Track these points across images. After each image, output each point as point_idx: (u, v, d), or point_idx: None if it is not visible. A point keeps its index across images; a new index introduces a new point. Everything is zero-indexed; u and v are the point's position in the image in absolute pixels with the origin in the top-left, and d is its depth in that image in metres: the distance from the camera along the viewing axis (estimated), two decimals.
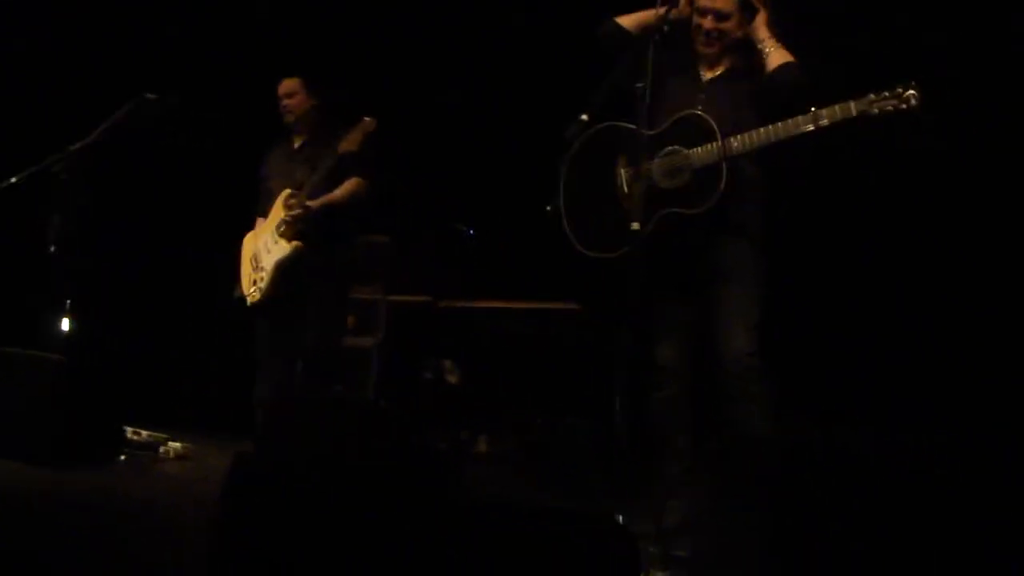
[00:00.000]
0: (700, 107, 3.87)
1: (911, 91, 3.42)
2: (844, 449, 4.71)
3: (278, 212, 5.25)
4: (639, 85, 3.53)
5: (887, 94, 3.44)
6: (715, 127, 3.72)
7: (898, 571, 3.97)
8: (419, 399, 6.89)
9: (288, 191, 5.23)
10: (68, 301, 5.44)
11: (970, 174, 5.36)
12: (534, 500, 4.91)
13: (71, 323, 5.43)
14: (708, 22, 3.86)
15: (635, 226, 3.42)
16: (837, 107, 3.53)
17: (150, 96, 5.37)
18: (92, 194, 5.78)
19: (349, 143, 5.06)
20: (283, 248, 5.11)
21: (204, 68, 7.34)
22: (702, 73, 4.01)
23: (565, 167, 4.12)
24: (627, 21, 4.07)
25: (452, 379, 6.90)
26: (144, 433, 5.29)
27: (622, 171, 3.94)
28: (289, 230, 5.12)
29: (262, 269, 5.22)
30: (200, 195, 7.59)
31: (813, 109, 3.56)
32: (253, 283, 5.27)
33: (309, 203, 5.07)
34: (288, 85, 5.39)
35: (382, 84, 7.38)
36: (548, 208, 4.11)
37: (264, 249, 5.26)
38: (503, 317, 6.76)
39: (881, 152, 5.29)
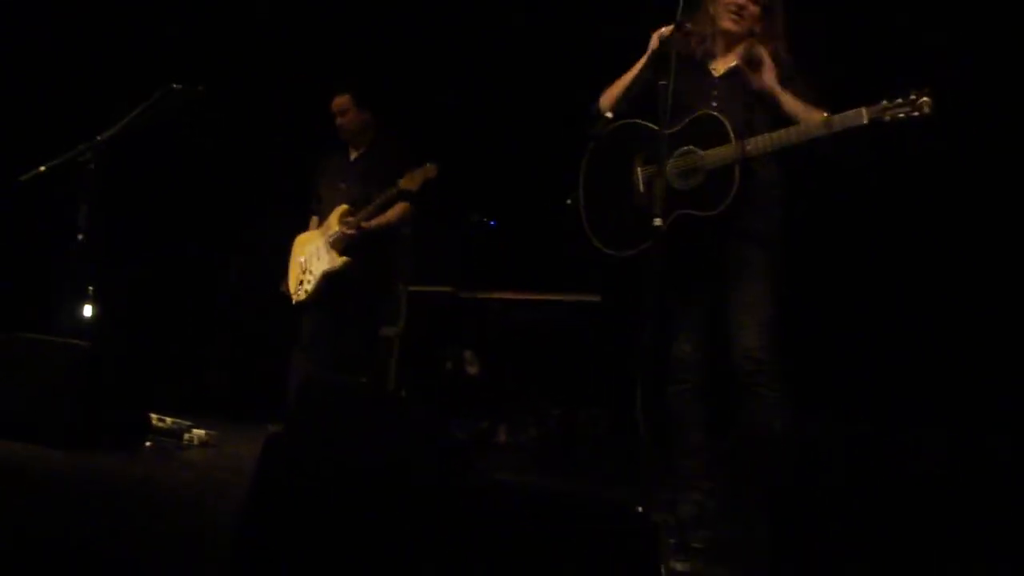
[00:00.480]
0: (714, 103, 3.88)
1: (924, 98, 3.41)
2: (855, 446, 4.75)
3: (333, 224, 5.66)
4: (662, 83, 3.55)
5: (900, 101, 3.43)
6: (729, 129, 3.73)
7: (905, 567, 4.02)
8: (439, 389, 6.93)
9: (345, 207, 5.65)
10: (91, 288, 5.51)
11: (977, 177, 5.39)
12: (554, 489, 4.94)
13: (95, 309, 5.50)
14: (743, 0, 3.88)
15: (657, 222, 3.43)
16: (849, 113, 3.54)
17: (177, 87, 5.41)
18: (120, 183, 5.84)
19: (410, 182, 5.41)
20: (333, 260, 5.55)
21: (229, 60, 7.39)
22: (713, 68, 4.01)
23: (584, 165, 4.16)
24: (609, 98, 4.07)
25: (472, 369, 6.94)
26: (169, 420, 5.33)
27: (639, 169, 3.97)
28: (340, 244, 5.54)
29: (310, 273, 5.63)
30: (226, 184, 7.66)
31: (826, 115, 3.57)
32: (300, 283, 5.67)
33: (364, 225, 5.48)
34: (339, 103, 5.76)
35: (406, 74, 7.44)
36: (568, 202, 4.14)
37: (315, 255, 5.65)
38: (523, 308, 6.80)
39: (889, 154, 5.32)
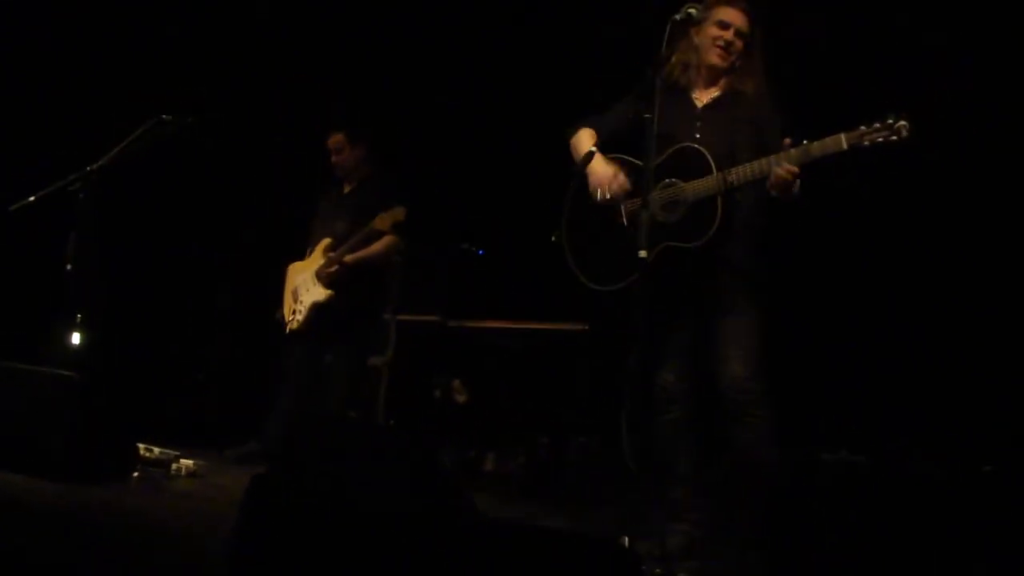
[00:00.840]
0: (697, 135, 3.92)
1: (902, 122, 3.43)
2: (843, 472, 4.76)
3: (318, 258, 5.79)
4: (647, 116, 3.59)
5: (878, 125, 3.46)
6: (711, 161, 3.76)
7: None
8: (428, 418, 6.94)
9: (329, 241, 5.77)
10: (80, 317, 5.51)
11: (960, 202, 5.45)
12: (540, 520, 4.95)
13: (83, 338, 5.51)
14: (729, 35, 3.92)
15: (643, 253, 3.46)
16: (828, 140, 3.56)
17: (166, 117, 5.45)
18: (109, 213, 5.86)
19: (381, 223, 5.56)
20: (319, 293, 5.66)
21: (221, 89, 7.43)
22: (696, 99, 4.05)
23: (568, 200, 4.19)
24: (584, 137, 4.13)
25: (460, 398, 6.95)
26: (156, 450, 5.33)
27: (623, 204, 4.01)
28: (325, 279, 5.63)
29: (301, 303, 5.72)
30: (215, 212, 7.67)
31: (804, 143, 3.59)
32: (292, 312, 5.77)
33: (345, 259, 5.59)
34: (334, 141, 5.90)
35: (395, 103, 7.47)
36: (553, 238, 4.17)
37: (304, 287, 5.76)
38: (511, 337, 6.81)
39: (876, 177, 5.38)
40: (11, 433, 4.82)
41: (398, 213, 5.56)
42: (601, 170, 3.99)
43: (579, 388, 6.52)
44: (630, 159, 3.99)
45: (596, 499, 5.50)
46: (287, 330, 5.74)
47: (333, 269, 5.57)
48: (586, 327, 6.53)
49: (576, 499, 5.77)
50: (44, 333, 5.92)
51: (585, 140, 4.12)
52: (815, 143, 3.57)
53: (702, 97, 4.05)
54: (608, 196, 3.95)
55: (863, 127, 3.49)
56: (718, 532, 3.88)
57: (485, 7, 7.12)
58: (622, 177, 3.96)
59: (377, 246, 5.67)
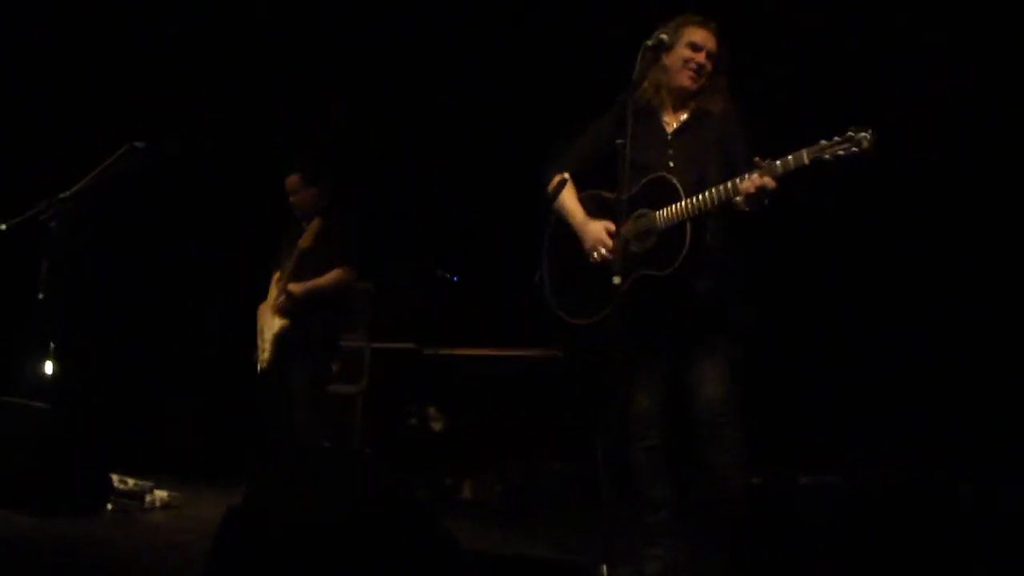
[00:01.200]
0: (671, 163, 3.93)
1: (863, 133, 3.42)
2: (819, 494, 4.78)
3: (273, 291, 5.78)
4: (619, 142, 3.60)
5: (838, 139, 3.46)
6: (679, 188, 3.78)
7: None
8: (404, 445, 6.92)
9: (278, 273, 5.76)
10: (52, 346, 5.48)
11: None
12: (517, 548, 4.94)
13: (55, 368, 5.47)
14: (701, 57, 3.95)
15: (616, 280, 3.47)
16: (790, 157, 3.57)
17: (139, 144, 5.43)
18: (81, 242, 5.84)
19: (304, 240, 5.61)
20: (277, 324, 5.61)
21: (198, 113, 7.43)
22: (666, 123, 4.06)
23: (546, 240, 4.20)
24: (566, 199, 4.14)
25: (436, 426, 6.94)
26: (131, 481, 5.30)
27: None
28: (279, 309, 5.63)
29: (265, 340, 5.68)
30: (190, 242, 7.66)
31: (767, 161, 3.60)
32: (263, 351, 5.71)
33: (291, 288, 5.56)
34: (289, 184, 5.83)
35: (369, 130, 7.49)
36: (535, 279, 4.18)
37: (267, 324, 5.73)
38: (486, 364, 6.81)
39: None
40: None
41: (315, 225, 5.64)
42: (595, 232, 3.99)
43: (554, 414, 6.52)
44: (604, 194, 4.01)
45: (573, 526, 5.49)
46: (258, 369, 5.73)
47: (283, 298, 5.61)
48: (560, 353, 6.55)
49: (553, 526, 5.76)
50: (16, 363, 5.88)
51: (568, 198, 4.11)
52: (778, 161, 3.58)
53: (671, 121, 4.05)
54: (602, 257, 3.93)
55: (824, 141, 3.50)
56: (695, 557, 3.87)
57: (457, 36, 7.15)
58: (608, 241, 3.98)
59: (327, 277, 5.63)
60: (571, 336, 4.13)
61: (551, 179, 4.13)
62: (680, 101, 4.04)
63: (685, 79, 3.97)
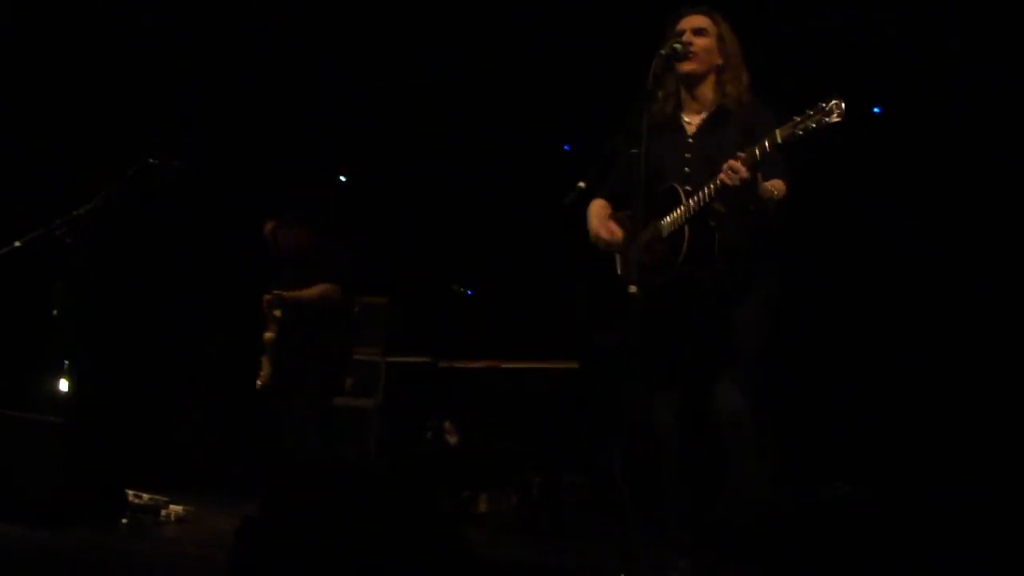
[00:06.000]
0: (687, 168, 3.90)
1: (833, 102, 3.38)
2: (842, 506, 4.75)
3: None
4: (634, 151, 3.59)
5: (810, 112, 3.42)
6: (681, 193, 3.77)
7: None
8: (420, 459, 6.90)
9: (268, 297, 5.76)
10: (67, 363, 5.47)
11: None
12: (535, 560, 4.91)
13: (70, 384, 5.47)
14: (687, 37, 3.92)
15: (632, 289, 3.46)
16: (765, 139, 3.51)
17: (153, 161, 5.44)
18: (95, 258, 5.84)
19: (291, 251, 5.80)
20: (268, 337, 5.66)
21: (210, 132, 7.44)
22: (687, 123, 4.02)
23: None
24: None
25: (452, 439, 6.92)
26: (145, 496, 5.29)
27: (617, 255, 4.06)
28: (271, 321, 5.67)
29: (263, 357, 5.71)
30: (201, 259, 7.66)
31: (744, 150, 3.55)
32: (261, 368, 5.73)
33: (277, 292, 5.62)
34: (267, 230, 5.94)
35: (383, 145, 7.50)
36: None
37: (268, 345, 5.75)
38: (502, 377, 6.79)
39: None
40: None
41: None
42: (598, 225, 4.02)
43: (571, 427, 6.49)
44: (631, 213, 4.01)
45: (591, 538, 5.47)
46: (257, 386, 5.75)
47: (274, 308, 5.65)
48: (576, 365, 6.53)
49: (571, 538, 5.73)
50: (31, 379, 5.88)
51: (591, 207, 4.15)
52: (755, 146, 3.53)
53: (693, 120, 4.02)
54: (603, 243, 3.98)
55: (796, 117, 3.46)
56: (718, 569, 3.84)
57: (478, 50, 7.15)
58: (612, 225, 3.99)
59: (312, 290, 5.66)
60: (600, 351, 4.14)
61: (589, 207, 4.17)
62: (695, 95, 4.00)
63: (684, 65, 3.94)
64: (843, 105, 3.37)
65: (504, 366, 6.80)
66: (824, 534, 4.59)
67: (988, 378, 5.48)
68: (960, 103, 5.64)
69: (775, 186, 3.69)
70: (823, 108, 3.40)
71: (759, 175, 3.58)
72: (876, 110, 6.35)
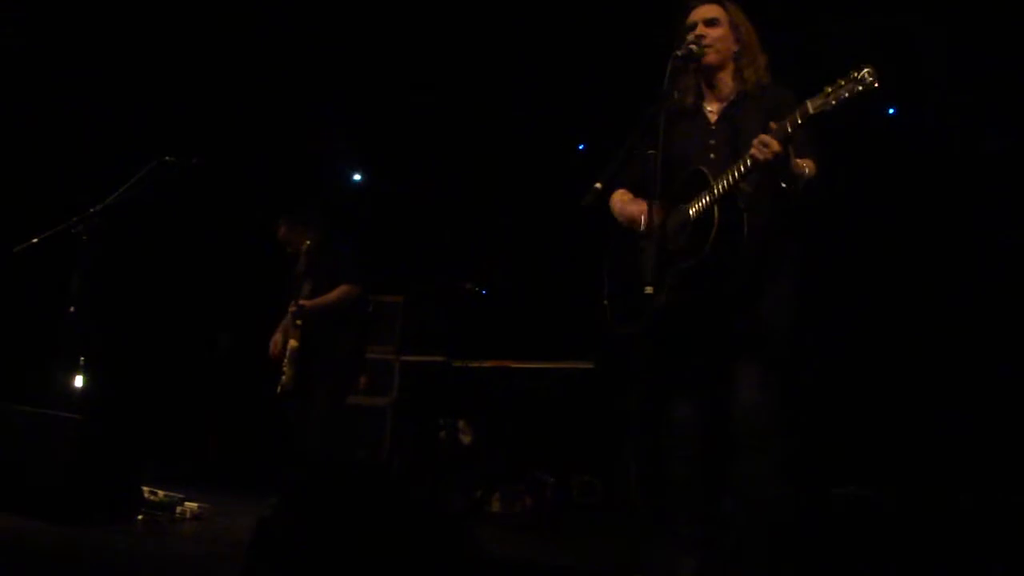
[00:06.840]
0: (712, 154, 3.84)
1: (866, 69, 3.30)
2: (854, 506, 4.73)
3: (290, 320, 6.01)
4: (651, 152, 3.55)
5: (841, 82, 3.34)
6: (708, 175, 3.68)
7: None
8: (433, 459, 6.91)
9: (293, 305, 5.96)
10: (83, 359, 5.50)
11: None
12: (548, 559, 4.91)
13: (86, 381, 5.49)
14: (700, 29, 3.88)
15: (648, 290, 3.42)
16: (797, 111, 3.42)
17: (169, 159, 5.46)
18: (111, 255, 5.87)
19: (301, 265, 6.02)
20: (292, 345, 5.84)
21: (225, 132, 7.46)
22: (710, 112, 3.99)
23: (608, 248, 4.14)
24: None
25: (466, 438, 6.93)
26: (161, 493, 5.30)
27: (641, 243, 3.94)
28: (293, 329, 5.87)
29: (286, 364, 5.87)
30: (218, 255, 7.68)
31: (774, 124, 3.46)
32: (283, 373, 5.87)
33: (302, 302, 5.85)
34: (280, 234, 6.19)
35: (399, 146, 7.50)
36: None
37: (288, 346, 5.94)
38: (516, 376, 6.79)
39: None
40: (14, 475, 4.81)
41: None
42: (634, 210, 3.96)
43: (585, 426, 6.49)
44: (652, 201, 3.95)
45: (603, 537, 5.46)
46: (278, 390, 5.82)
47: (296, 318, 5.85)
48: (591, 365, 6.52)
49: (584, 537, 5.73)
50: (47, 375, 5.91)
51: (615, 195, 4.10)
52: (785, 120, 3.44)
53: (714, 108, 3.97)
54: (629, 217, 3.91)
55: (827, 87, 3.41)
56: (729, 567, 3.82)
57: (492, 55, 7.15)
58: (640, 201, 3.91)
59: (334, 293, 5.84)
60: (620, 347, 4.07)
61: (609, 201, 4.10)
62: (715, 84, 3.95)
63: (700, 60, 3.90)
64: (874, 71, 3.31)
65: (518, 366, 6.80)
66: (833, 536, 4.58)
67: (1004, 382, 5.46)
68: (970, 103, 5.61)
69: (807, 163, 3.64)
70: (854, 77, 3.33)
71: (791, 149, 3.52)
72: (891, 111, 6.33)
